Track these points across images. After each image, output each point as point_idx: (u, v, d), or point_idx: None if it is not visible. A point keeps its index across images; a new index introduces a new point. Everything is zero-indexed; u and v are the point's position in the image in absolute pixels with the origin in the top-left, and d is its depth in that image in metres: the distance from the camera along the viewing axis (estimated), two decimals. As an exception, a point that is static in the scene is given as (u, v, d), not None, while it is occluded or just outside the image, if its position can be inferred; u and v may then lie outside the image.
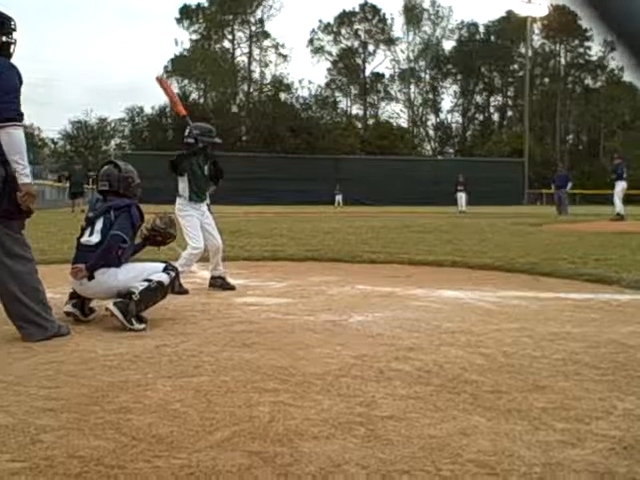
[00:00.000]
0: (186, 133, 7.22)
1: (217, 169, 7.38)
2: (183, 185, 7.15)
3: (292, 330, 4.98)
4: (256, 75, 79.89)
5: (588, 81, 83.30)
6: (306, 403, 3.19)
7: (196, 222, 7.11)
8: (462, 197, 34.29)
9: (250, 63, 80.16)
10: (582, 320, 5.37)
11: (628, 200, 21.88)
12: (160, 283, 5.25)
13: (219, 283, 7.26)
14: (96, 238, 5.30)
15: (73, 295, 5.37)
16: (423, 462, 2.49)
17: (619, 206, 20.39)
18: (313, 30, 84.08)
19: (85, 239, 5.38)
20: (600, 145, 78.24)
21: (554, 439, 2.73)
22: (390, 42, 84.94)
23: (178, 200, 7.19)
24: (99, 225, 5.36)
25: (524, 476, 2.37)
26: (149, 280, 5.21)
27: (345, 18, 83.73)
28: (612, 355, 4.17)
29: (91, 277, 5.13)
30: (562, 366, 3.90)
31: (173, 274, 5.41)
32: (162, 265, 5.46)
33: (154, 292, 5.21)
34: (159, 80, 7.82)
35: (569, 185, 29.49)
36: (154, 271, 5.32)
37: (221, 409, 3.09)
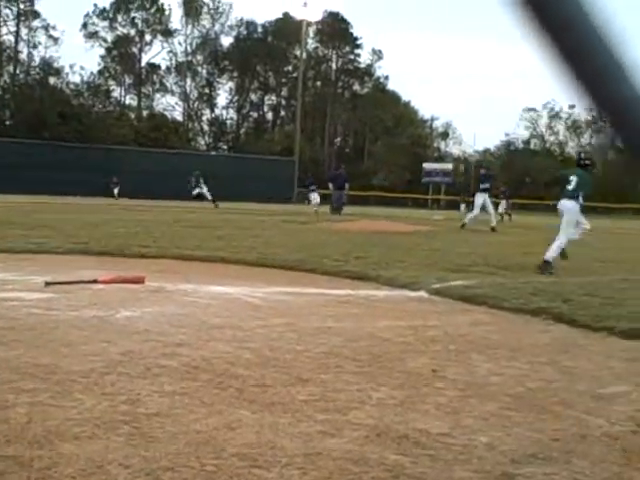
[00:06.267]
0: None
1: None
2: None
3: (55, 326, 4.76)
4: (23, 56, 74.82)
5: (356, 87, 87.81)
6: (67, 403, 3.08)
7: None
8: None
9: (17, 43, 74.84)
10: (343, 315, 5.67)
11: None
12: None
13: None
14: None
15: None
16: (188, 458, 2.51)
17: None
18: (87, 14, 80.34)
19: None
20: (365, 149, 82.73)
21: (314, 430, 2.87)
22: (168, 33, 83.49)
23: None
24: None
25: (286, 467, 2.47)
26: None
27: (122, 4, 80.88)
28: (369, 348, 4.45)
29: None
30: (324, 359, 4.10)
31: None
32: None
33: None
34: None
35: (346, 186, 30.54)
36: None
37: (-28, 412, 2.90)
